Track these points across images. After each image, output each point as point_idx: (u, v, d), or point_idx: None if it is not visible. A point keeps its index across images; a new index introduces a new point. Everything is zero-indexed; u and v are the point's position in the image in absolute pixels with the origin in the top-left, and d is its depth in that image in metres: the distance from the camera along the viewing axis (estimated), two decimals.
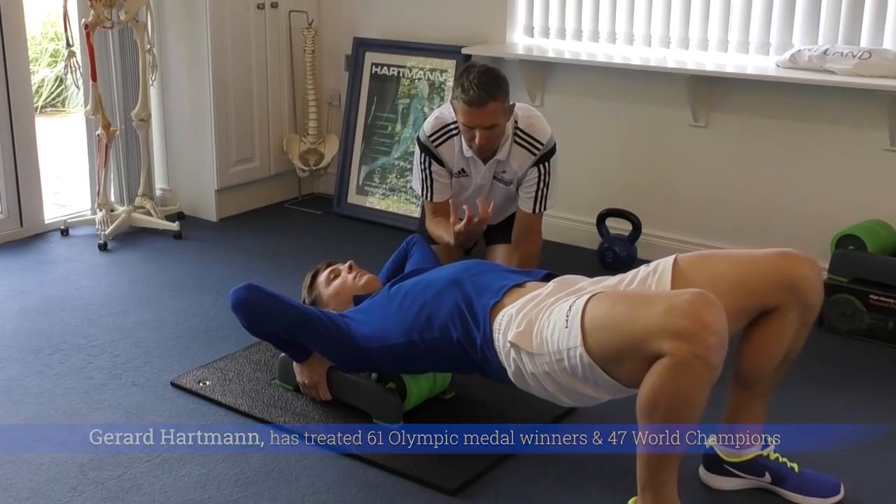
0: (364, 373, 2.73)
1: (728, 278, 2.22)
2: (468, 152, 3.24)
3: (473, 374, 2.53)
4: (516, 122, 3.23)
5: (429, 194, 3.37)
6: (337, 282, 2.90)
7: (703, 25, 3.91)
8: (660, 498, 2.10)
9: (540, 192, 3.29)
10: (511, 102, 3.17)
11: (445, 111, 3.30)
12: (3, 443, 2.62)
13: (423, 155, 3.31)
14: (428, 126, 3.30)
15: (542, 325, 2.22)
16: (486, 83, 3.03)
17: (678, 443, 2.04)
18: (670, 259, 2.32)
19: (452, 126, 3.25)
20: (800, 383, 2.99)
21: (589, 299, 2.15)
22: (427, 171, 3.33)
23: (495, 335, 2.33)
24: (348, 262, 2.97)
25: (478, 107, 3.04)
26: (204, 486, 2.42)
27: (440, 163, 3.29)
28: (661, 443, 2.04)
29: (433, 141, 3.27)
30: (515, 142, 3.23)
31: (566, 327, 2.15)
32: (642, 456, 2.09)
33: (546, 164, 3.26)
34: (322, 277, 2.95)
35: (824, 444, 2.67)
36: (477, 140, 3.11)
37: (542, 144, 3.24)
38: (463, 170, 3.32)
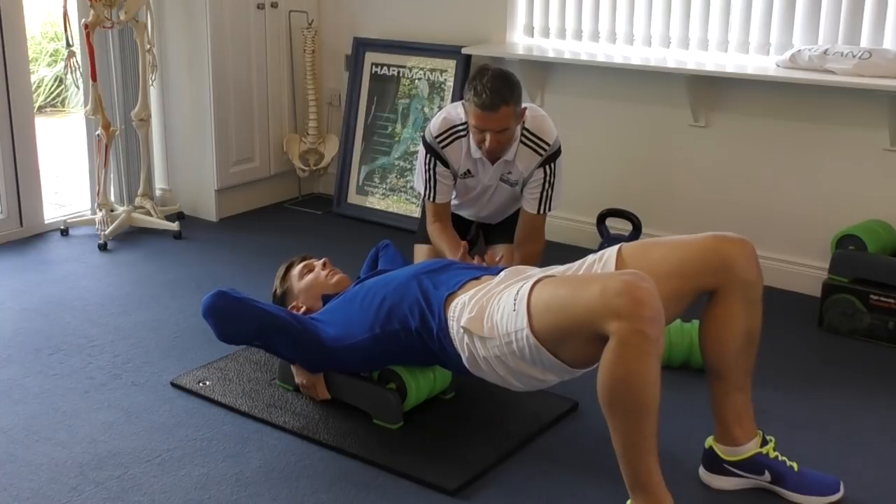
0: (364, 372, 2.74)
1: (665, 263, 2.33)
2: (476, 153, 3.23)
3: (435, 364, 2.63)
4: (524, 122, 3.23)
5: (431, 195, 3.35)
6: (309, 277, 2.96)
7: (703, 25, 3.91)
8: (648, 491, 2.12)
9: (545, 193, 3.28)
10: (523, 107, 3.15)
11: (453, 111, 3.28)
12: (3, 443, 2.62)
13: (427, 156, 3.29)
14: (434, 126, 3.28)
15: (492, 310, 2.32)
16: (499, 88, 3.01)
17: (644, 427, 2.08)
18: (615, 247, 2.42)
19: (460, 127, 3.23)
20: (799, 383, 3.00)
21: (535, 283, 2.26)
22: (431, 172, 3.31)
23: (450, 322, 2.41)
24: (323, 260, 3.02)
25: (490, 111, 3.02)
26: (204, 486, 2.42)
27: (445, 164, 3.28)
28: (629, 431, 2.10)
29: (440, 142, 3.25)
30: (522, 142, 3.22)
31: (514, 310, 2.24)
32: (619, 451, 2.14)
33: (552, 164, 3.25)
34: (296, 270, 3.00)
35: (824, 443, 2.67)
36: (487, 143, 3.09)
37: (548, 145, 3.23)
38: (469, 171, 3.30)
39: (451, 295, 2.46)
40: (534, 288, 2.25)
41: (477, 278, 2.52)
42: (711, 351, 2.38)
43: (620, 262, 2.38)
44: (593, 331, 2.08)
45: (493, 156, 3.20)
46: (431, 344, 2.48)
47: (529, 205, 3.30)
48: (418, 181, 3.42)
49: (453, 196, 3.40)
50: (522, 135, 3.21)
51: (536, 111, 3.30)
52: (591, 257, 2.46)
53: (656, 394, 2.06)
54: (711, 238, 2.37)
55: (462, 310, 2.39)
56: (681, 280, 2.31)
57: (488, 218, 3.55)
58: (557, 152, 3.26)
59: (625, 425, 2.09)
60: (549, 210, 3.32)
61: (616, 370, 2.04)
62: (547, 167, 3.25)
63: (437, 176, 3.30)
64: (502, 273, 2.51)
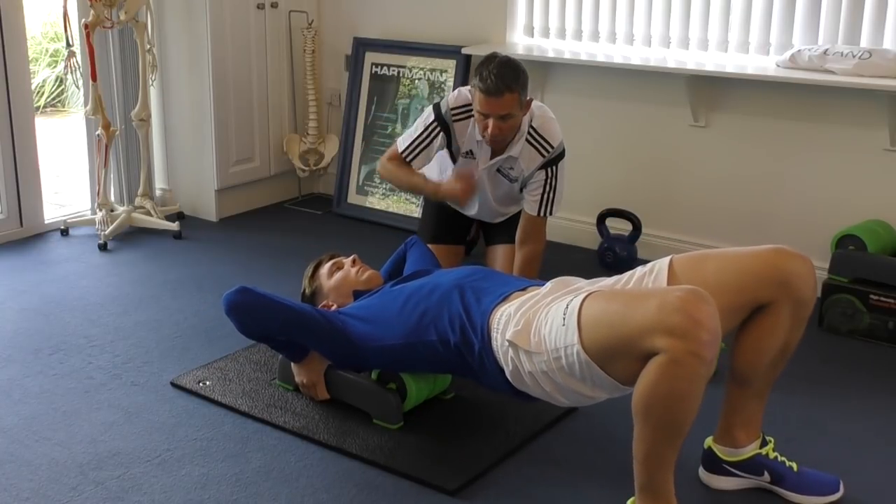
0: (364, 372, 2.74)
1: (721, 276, 2.24)
2: (479, 136, 3.25)
3: (468, 378, 2.53)
4: (531, 120, 3.24)
5: (410, 154, 3.34)
6: (339, 274, 2.91)
7: (703, 25, 3.91)
8: (658, 497, 2.10)
9: (546, 196, 3.28)
10: (529, 97, 3.18)
11: (468, 91, 3.31)
12: (3, 443, 2.62)
13: (434, 123, 3.30)
14: (452, 99, 3.30)
15: (539, 324, 2.23)
16: (504, 74, 3.04)
17: (675, 441, 2.05)
18: (666, 259, 2.34)
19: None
20: (799, 383, 2.99)
21: (585, 297, 2.16)
22: (428, 138, 3.30)
23: (493, 334, 2.33)
24: (352, 256, 2.98)
25: (494, 96, 3.05)
26: (204, 486, 2.42)
27: (448, 138, 3.30)
28: (658, 442, 2.05)
29: (454, 114, 3.27)
30: (527, 140, 3.23)
31: (563, 325, 2.15)
32: (639, 456, 2.09)
33: (554, 167, 3.26)
34: (324, 269, 2.95)
35: (823, 443, 2.67)
36: (490, 129, 3.12)
37: (552, 147, 3.24)
38: (471, 151, 3.32)
39: (496, 307, 2.37)
40: (584, 302, 2.15)
41: (522, 289, 2.43)
42: (744, 359, 2.32)
43: (672, 275, 2.29)
44: (646, 348, 1.99)
45: (496, 143, 3.22)
46: (471, 360, 2.40)
47: (530, 206, 3.30)
48: (405, 136, 3.39)
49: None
50: (528, 133, 3.22)
51: (546, 112, 3.32)
52: (639, 269, 2.36)
53: (695, 414, 2.01)
54: (772, 252, 2.27)
55: (507, 322, 2.30)
56: (737, 294, 2.23)
57: (487, 215, 3.55)
58: (561, 155, 3.27)
59: (654, 437, 2.04)
60: (551, 213, 3.32)
61: (661, 386, 1.97)
62: (549, 169, 3.25)
63: (432, 144, 3.31)
64: (549, 284, 2.41)
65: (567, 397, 2.26)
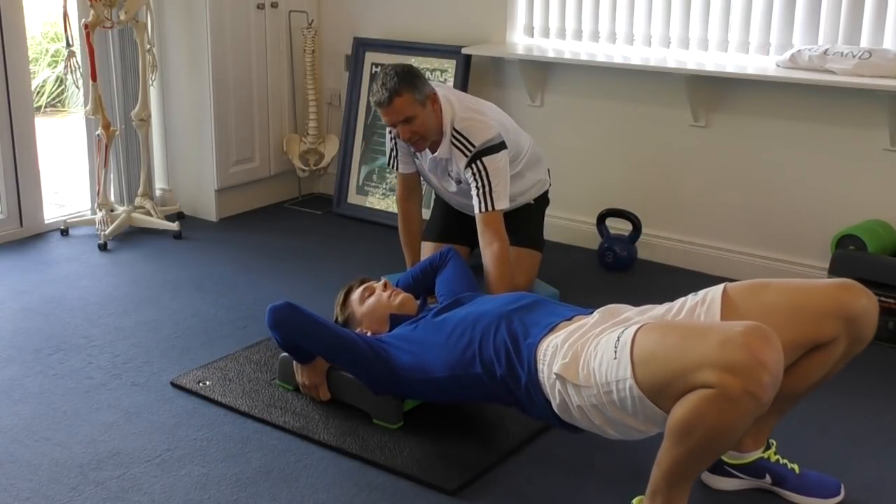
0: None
1: (783, 310, 2.15)
2: None
3: (513, 408, 2.47)
4: (455, 122, 3.27)
5: (395, 163, 3.53)
6: (371, 300, 2.85)
7: (703, 25, 3.91)
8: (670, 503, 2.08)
9: (481, 192, 3.25)
10: (430, 91, 3.23)
11: None
12: (3, 443, 2.62)
13: (389, 129, 3.43)
14: None
15: (588, 357, 2.15)
16: (386, 82, 3.17)
17: (704, 464, 2.04)
18: (719, 288, 2.25)
19: None
20: None
21: (638, 330, 2.08)
22: (392, 142, 3.48)
23: (539, 366, 2.26)
24: (383, 281, 2.93)
25: (386, 106, 3.18)
26: (204, 486, 2.42)
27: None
28: (688, 463, 2.01)
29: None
30: (451, 142, 3.28)
31: (615, 358, 2.07)
32: (663, 466, 2.04)
33: (478, 162, 3.24)
34: (355, 295, 2.90)
35: (824, 443, 2.67)
36: (402, 134, 3.24)
37: (473, 146, 3.25)
38: (416, 154, 3.45)
39: (542, 338, 2.30)
40: (637, 335, 2.06)
41: (569, 319, 2.35)
42: (788, 383, 2.16)
43: (727, 305, 2.19)
44: (700, 381, 1.91)
45: (417, 146, 3.32)
46: (518, 393, 2.33)
47: (474, 206, 3.29)
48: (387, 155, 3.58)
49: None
50: (452, 135, 3.28)
51: (471, 112, 3.33)
52: (690, 298, 2.27)
53: (733, 447, 1.98)
54: (840, 288, 2.18)
55: (554, 354, 2.22)
56: (799, 329, 2.14)
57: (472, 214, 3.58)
58: (486, 151, 3.25)
59: (685, 458, 2.00)
60: (493, 208, 3.25)
61: (709, 418, 1.90)
62: (473, 166, 3.25)
63: (397, 142, 3.43)
64: (596, 314, 2.32)
65: (617, 430, 2.19)
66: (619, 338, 2.10)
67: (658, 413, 2.04)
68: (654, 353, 2.02)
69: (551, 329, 2.32)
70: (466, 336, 2.45)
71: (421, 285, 3.12)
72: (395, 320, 2.78)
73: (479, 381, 2.41)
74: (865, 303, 2.17)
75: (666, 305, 2.31)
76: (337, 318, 2.92)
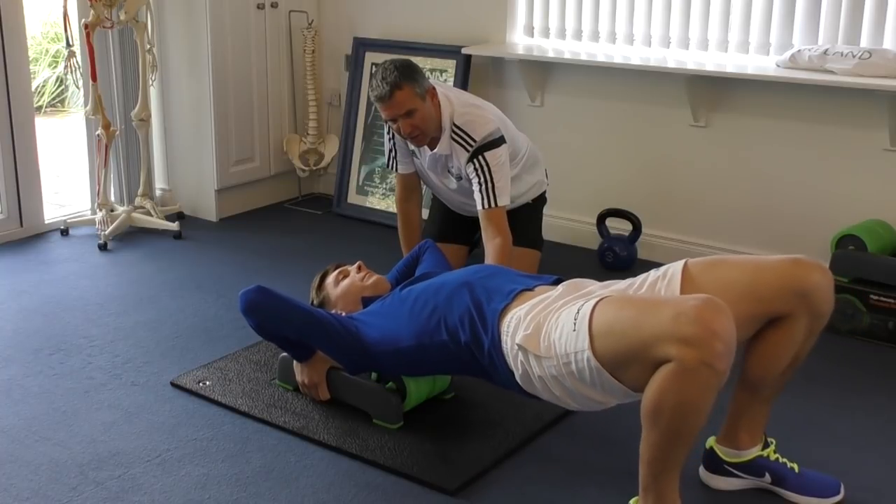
0: (366, 373, 2.74)
1: (739, 285, 2.21)
2: None
3: (480, 378, 2.51)
4: (454, 117, 3.27)
5: (394, 164, 3.52)
6: (345, 282, 2.90)
7: (703, 25, 3.91)
8: (661, 499, 2.10)
9: (483, 187, 3.26)
10: (429, 86, 3.24)
11: None
12: (3, 443, 2.62)
13: (387, 129, 3.43)
14: None
15: (549, 328, 2.21)
16: (386, 76, 3.18)
17: (682, 447, 2.04)
18: (680, 264, 2.30)
19: None
20: (799, 383, 2.98)
21: (597, 303, 2.14)
22: (390, 143, 3.47)
23: (503, 337, 2.31)
24: (357, 263, 2.97)
25: (386, 100, 3.18)
26: (204, 486, 2.42)
27: (405, 142, 3.41)
28: (665, 447, 2.04)
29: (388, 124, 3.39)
30: (451, 137, 3.28)
31: (574, 330, 2.13)
32: (645, 458, 2.08)
33: (480, 157, 3.26)
34: (330, 278, 2.94)
35: (824, 443, 2.67)
36: (403, 129, 3.23)
37: (473, 140, 3.26)
38: (415, 151, 3.44)
39: (506, 307, 2.35)
40: (596, 307, 2.12)
41: (531, 289, 2.41)
42: (756, 367, 2.31)
43: (686, 280, 2.25)
44: (659, 356, 1.96)
45: (418, 141, 3.31)
46: (481, 358, 2.38)
47: (477, 203, 3.30)
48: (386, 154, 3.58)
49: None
50: (452, 130, 3.28)
51: (470, 107, 3.35)
52: (653, 273, 2.32)
53: (704, 422, 2.00)
54: (792, 263, 2.23)
55: (517, 325, 2.27)
56: (754, 304, 2.20)
57: (465, 213, 3.58)
58: (488, 146, 3.26)
59: (662, 442, 2.03)
60: (496, 204, 3.27)
61: (670, 395, 1.96)
62: (475, 161, 3.26)
63: (397, 142, 3.43)
64: (560, 287, 2.38)
65: (577, 402, 2.24)
66: (578, 310, 2.15)
67: (616, 385, 2.10)
68: (612, 326, 2.08)
69: (514, 297, 2.37)
70: (430, 304, 2.50)
71: (406, 280, 3.13)
72: (368, 301, 2.81)
73: (445, 348, 2.45)
74: (818, 278, 2.22)
75: (629, 280, 2.37)
76: (312, 301, 2.96)
